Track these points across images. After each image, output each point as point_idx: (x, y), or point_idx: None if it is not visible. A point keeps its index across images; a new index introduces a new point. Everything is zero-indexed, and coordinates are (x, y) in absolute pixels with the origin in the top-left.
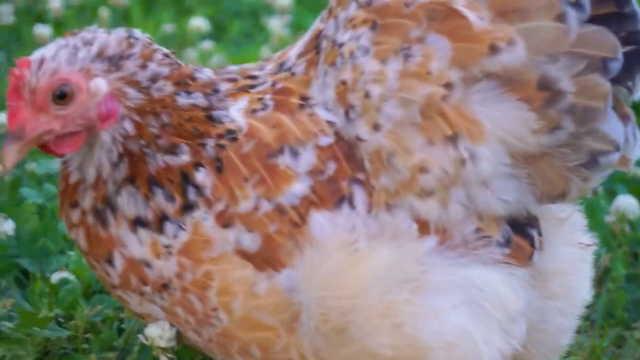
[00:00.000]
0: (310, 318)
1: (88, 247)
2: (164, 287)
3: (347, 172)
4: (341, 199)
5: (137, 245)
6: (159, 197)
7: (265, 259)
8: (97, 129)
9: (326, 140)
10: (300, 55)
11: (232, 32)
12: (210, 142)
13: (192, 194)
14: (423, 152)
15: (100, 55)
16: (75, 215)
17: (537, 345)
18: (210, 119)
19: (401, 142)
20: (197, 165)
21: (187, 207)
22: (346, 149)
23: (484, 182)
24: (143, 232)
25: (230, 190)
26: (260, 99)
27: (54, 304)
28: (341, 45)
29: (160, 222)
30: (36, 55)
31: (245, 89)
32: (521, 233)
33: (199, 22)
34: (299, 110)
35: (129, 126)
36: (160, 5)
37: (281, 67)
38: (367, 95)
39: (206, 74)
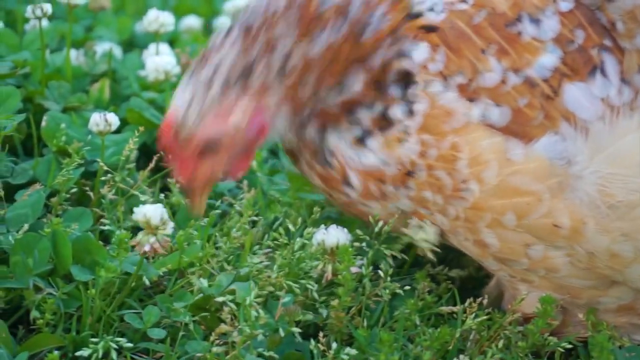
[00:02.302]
0: (590, 189)
1: (324, 184)
2: (408, 174)
3: (594, 39)
4: (593, 68)
5: (371, 155)
6: (363, 113)
7: (513, 131)
8: (257, 144)
9: (566, 5)
10: None
11: None
12: (379, 55)
13: (395, 90)
14: None
15: (228, 84)
16: (304, 166)
17: None
18: (360, 40)
19: None
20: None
21: (403, 94)
22: (588, 14)
23: None
24: (372, 141)
25: (469, 62)
26: None
27: None
28: None
29: (382, 120)
30: (172, 113)
31: None
32: None
33: None
34: None
35: (284, 118)
36: None
37: None
38: None
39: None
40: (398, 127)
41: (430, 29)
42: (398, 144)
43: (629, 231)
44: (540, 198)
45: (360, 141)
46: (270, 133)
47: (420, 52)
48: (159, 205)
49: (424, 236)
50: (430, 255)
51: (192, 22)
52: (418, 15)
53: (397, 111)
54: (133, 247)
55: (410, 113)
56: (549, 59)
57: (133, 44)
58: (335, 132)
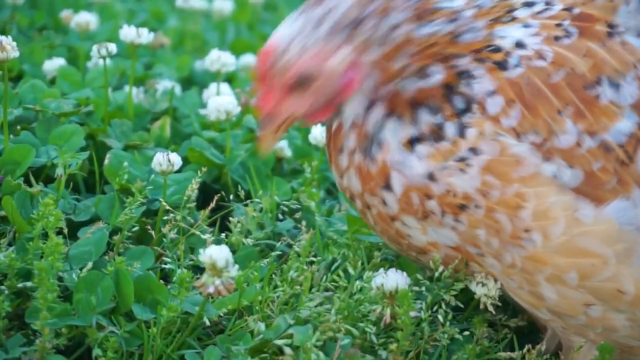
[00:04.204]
0: None
1: (362, 184)
2: (461, 208)
3: None
4: None
5: (416, 161)
6: (426, 115)
7: (584, 193)
8: (343, 97)
9: None
10: None
11: None
12: (464, 60)
13: (459, 102)
14: None
15: (336, 29)
16: (344, 160)
17: None
18: (457, 41)
19: None
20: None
21: (461, 112)
22: None
23: None
24: (421, 147)
25: (544, 122)
26: (558, 25)
27: None
28: None
29: (437, 130)
30: (275, 41)
31: (508, 14)
32: None
33: None
34: (608, 38)
35: (373, 79)
36: None
37: None
38: None
39: (454, 3)
40: (447, 145)
41: (500, 66)
42: (443, 161)
43: None
44: (606, 262)
45: (411, 143)
46: (357, 91)
47: (483, 84)
48: (225, 247)
49: (486, 292)
50: (491, 309)
51: (250, 60)
52: (498, 49)
53: (450, 128)
54: (195, 287)
55: (462, 137)
56: (625, 125)
57: (191, 81)
58: (394, 125)
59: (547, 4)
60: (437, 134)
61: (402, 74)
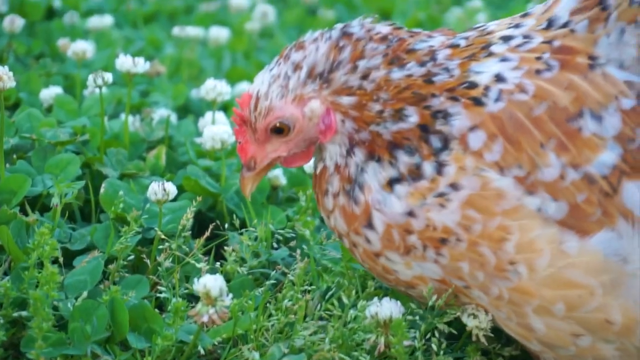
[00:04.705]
0: None
1: (347, 224)
2: (442, 242)
3: None
4: None
5: (396, 200)
6: (404, 156)
7: (569, 225)
8: (321, 141)
9: (628, 102)
10: (577, 12)
11: None
12: (438, 100)
13: (436, 141)
14: None
15: (310, 76)
16: (329, 202)
17: None
18: (431, 82)
19: None
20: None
21: (438, 151)
22: None
23: None
24: (400, 187)
25: (527, 156)
26: (538, 58)
27: None
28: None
29: (415, 170)
30: (253, 89)
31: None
32: None
33: None
34: (589, 70)
35: (350, 125)
36: None
37: (552, 23)
38: None
39: (428, 43)
40: (426, 183)
41: (478, 102)
42: (422, 199)
43: None
44: (593, 292)
45: (390, 184)
46: (335, 135)
47: (461, 121)
48: (219, 277)
49: (478, 324)
50: (483, 340)
51: (245, 88)
52: (474, 85)
53: (427, 168)
54: (190, 316)
55: (440, 174)
56: (609, 156)
57: (187, 110)
58: (374, 167)
59: (526, 37)
60: (415, 174)
61: (379, 118)
